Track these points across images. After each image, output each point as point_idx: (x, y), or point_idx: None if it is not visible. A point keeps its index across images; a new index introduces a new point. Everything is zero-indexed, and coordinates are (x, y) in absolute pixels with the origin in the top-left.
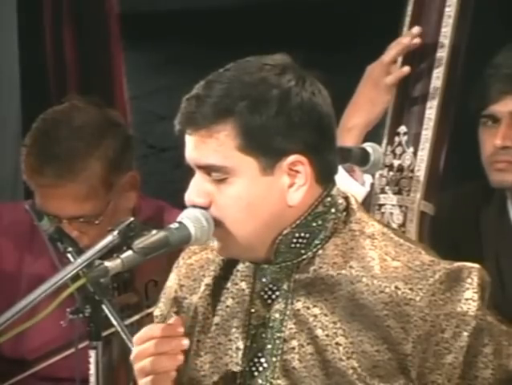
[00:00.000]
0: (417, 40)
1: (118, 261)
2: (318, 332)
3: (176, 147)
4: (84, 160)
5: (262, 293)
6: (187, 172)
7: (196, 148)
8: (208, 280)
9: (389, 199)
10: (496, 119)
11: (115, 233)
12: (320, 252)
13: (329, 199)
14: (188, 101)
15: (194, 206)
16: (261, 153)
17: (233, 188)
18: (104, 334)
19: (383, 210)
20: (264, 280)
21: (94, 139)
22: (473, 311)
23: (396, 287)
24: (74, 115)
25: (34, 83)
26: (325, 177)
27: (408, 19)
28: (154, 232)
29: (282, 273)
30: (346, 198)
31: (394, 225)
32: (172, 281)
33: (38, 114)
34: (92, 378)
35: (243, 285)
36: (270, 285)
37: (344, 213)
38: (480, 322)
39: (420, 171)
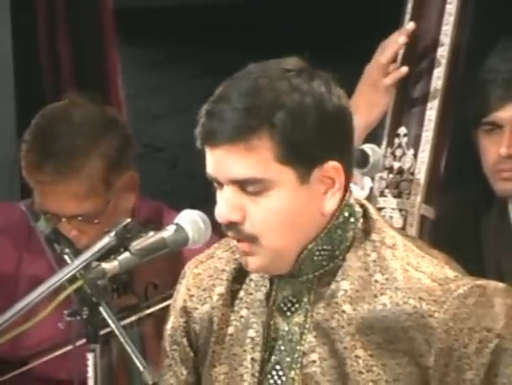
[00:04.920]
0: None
1: (115, 262)
2: (337, 345)
3: (171, 147)
4: (84, 158)
5: (282, 306)
6: (183, 173)
7: (231, 163)
8: (221, 289)
9: (389, 202)
10: (498, 126)
11: (112, 234)
12: (342, 263)
13: (347, 208)
14: (212, 115)
15: (229, 223)
16: (299, 162)
17: (271, 201)
18: (102, 332)
19: (382, 214)
20: (285, 293)
21: (94, 136)
22: (497, 329)
23: (420, 298)
24: (73, 111)
25: (28, 81)
26: (348, 184)
27: (407, 16)
28: (151, 233)
29: (304, 286)
30: (362, 206)
31: None
32: (180, 292)
33: (33, 112)
34: (90, 382)
35: (259, 295)
36: (290, 298)
37: (361, 221)
38: (504, 341)
39: (421, 173)
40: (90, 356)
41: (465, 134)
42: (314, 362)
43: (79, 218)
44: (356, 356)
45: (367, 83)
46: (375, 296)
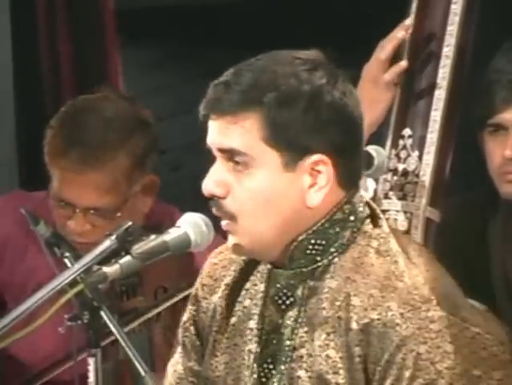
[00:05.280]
0: (410, 31)
1: (116, 266)
2: (319, 341)
3: (175, 149)
4: (111, 152)
5: (276, 298)
6: (186, 176)
7: (220, 133)
8: (228, 280)
9: (393, 204)
10: (503, 127)
11: (114, 237)
12: (336, 260)
13: (349, 206)
14: (216, 87)
15: (211, 196)
16: (285, 148)
17: (253, 181)
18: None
19: (387, 216)
20: (278, 285)
21: (123, 132)
22: (440, 366)
23: (389, 308)
24: (106, 105)
25: (28, 81)
26: (348, 182)
27: (412, 16)
28: (153, 237)
29: (297, 279)
30: (371, 208)
31: None
32: (197, 281)
33: (32, 113)
34: None
35: (262, 286)
36: (285, 290)
37: (367, 222)
38: (439, 381)
39: (426, 175)
40: (91, 361)
41: (471, 135)
42: (301, 357)
43: (92, 212)
44: (327, 356)
45: (368, 80)
46: (349, 295)
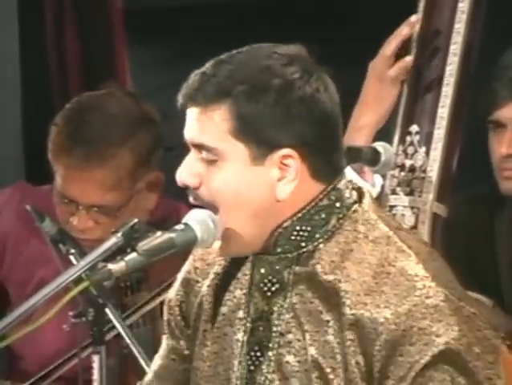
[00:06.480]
0: (417, 28)
1: (122, 263)
2: (308, 327)
3: (181, 146)
4: (115, 149)
5: (262, 286)
6: None
7: (191, 125)
8: (217, 268)
9: (400, 200)
10: (502, 124)
11: (119, 234)
12: (321, 246)
13: (335, 192)
14: (195, 77)
15: (185, 186)
16: (252, 141)
17: (222, 173)
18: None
19: (394, 211)
20: (263, 271)
21: (127, 129)
22: (448, 337)
23: (382, 291)
24: (110, 102)
25: (35, 81)
26: (326, 175)
27: (420, 14)
28: (159, 233)
29: (282, 265)
30: (360, 193)
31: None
32: (187, 262)
33: (40, 113)
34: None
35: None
36: (270, 277)
37: (354, 208)
38: (447, 352)
39: (433, 171)
40: (95, 358)
41: (479, 131)
42: (289, 342)
43: (95, 209)
44: (326, 341)
45: (373, 77)
46: (340, 281)
